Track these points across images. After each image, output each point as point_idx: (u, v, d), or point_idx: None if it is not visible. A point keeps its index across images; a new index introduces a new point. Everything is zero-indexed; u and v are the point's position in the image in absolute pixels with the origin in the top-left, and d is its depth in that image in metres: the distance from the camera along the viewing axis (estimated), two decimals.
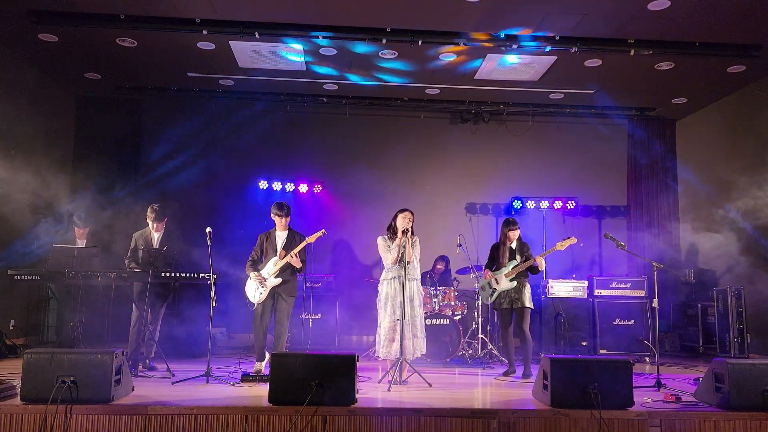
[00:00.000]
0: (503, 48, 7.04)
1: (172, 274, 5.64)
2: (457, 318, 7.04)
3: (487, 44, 6.98)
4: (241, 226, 8.37)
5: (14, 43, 7.19)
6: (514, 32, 6.82)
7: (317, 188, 8.88)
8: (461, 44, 6.92)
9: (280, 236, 5.85)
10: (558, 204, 8.86)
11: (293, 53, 7.41)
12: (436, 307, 6.98)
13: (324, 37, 6.82)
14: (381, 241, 5.51)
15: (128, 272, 5.68)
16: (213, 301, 5.17)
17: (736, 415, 4.04)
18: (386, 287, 5.43)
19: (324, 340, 7.73)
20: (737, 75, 7.70)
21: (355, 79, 8.22)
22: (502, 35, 6.86)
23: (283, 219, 5.81)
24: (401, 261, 5.33)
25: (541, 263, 5.82)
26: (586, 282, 7.79)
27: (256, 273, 5.69)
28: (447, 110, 9.37)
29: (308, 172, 8.99)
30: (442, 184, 9.29)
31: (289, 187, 8.84)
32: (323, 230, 5.84)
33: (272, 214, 5.85)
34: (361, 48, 7.13)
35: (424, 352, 5.42)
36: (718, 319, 7.72)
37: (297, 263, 5.67)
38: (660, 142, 9.53)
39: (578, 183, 9.28)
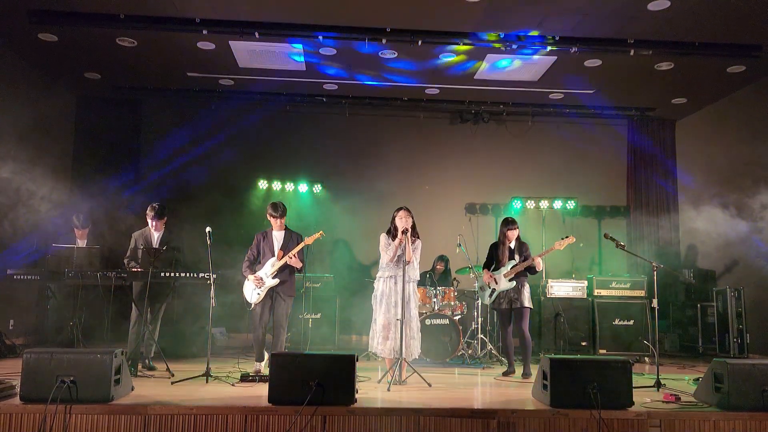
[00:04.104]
0: (503, 48, 7.04)
1: (172, 274, 5.64)
2: (457, 318, 7.04)
3: (486, 44, 6.98)
4: (241, 225, 8.37)
5: (14, 43, 7.20)
6: (514, 32, 6.82)
7: (317, 188, 8.87)
8: (461, 44, 6.92)
9: (278, 236, 5.81)
10: (558, 204, 8.85)
11: (293, 53, 7.41)
12: (436, 307, 6.97)
13: (324, 37, 6.82)
14: (383, 238, 5.50)
15: (128, 272, 5.68)
16: (213, 301, 5.17)
17: (736, 415, 4.04)
18: (382, 285, 5.43)
19: (324, 340, 7.74)
20: (737, 75, 7.70)
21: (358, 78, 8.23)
22: (502, 35, 6.86)
23: (279, 220, 5.77)
24: (399, 261, 5.33)
25: (539, 263, 5.81)
26: (586, 282, 7.79)
27: (253, 275, 5.66)
28: (447, 110, 9.37)
29: (308, 172, 8.99)
30: (442, 184, 9.29)
31: (289, 187, 8.84)
32: (321, 232, 5.82)
33: (268, 215, 5.81)
34: (361, 48, 7.13)
35: (419, 353, 5.42)
36: (717, 319, 7.73)
37: (297, 264, 5.66)
38: (660, 142, 9.53)
39: (578, 183, 9.27)
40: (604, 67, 7.61)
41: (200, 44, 7.17)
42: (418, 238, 5.48)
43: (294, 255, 5.60)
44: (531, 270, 5.91)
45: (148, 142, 9.18)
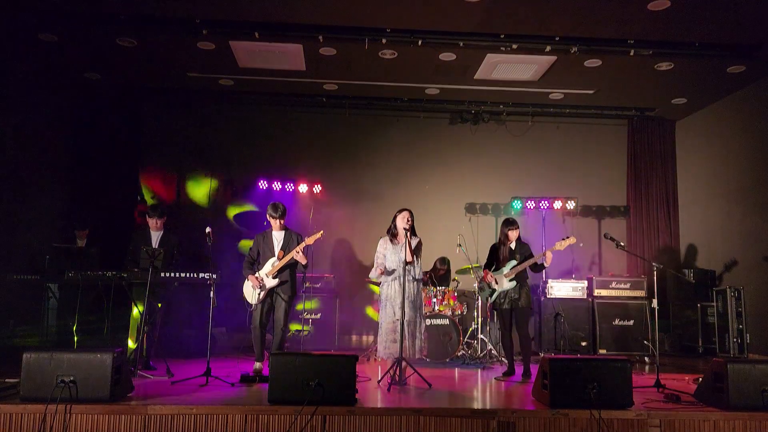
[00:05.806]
0: (503, 48, 7.04)
1: (172, 274, 5.64)
2: (457, 318, 7.04)
3: (486, 44, 6.98)
4: (241, 225, 8.38)
5: (14, 43, 7.19)
6: (514, 32, 6.82)
7: (317, 188, 8.88)
8: (461, 44, 6.92)
9: (277, 237, 5.81)
10: (558, 204, 8.85)
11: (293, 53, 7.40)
12: (436, 307, 6.98)
13: (324, 37, 6.82)
14: (380, 243, 5.55)
15: (128, 272, 5.68)
16: (213, 301, 5.17)
17: (736, 415, 4.04)
18: (386, 288, 5.46)
19: (324, 340, 7.74)
20: (737, 75, 7.70)
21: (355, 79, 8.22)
22: (502, 35, 6.86)
23: (279, 220, 5.77)
24: (400, 262, 5.35)
25: (549, 257, 5.75)
26: (586, 282, 7.79)
27: (253, 275, 5.67)
28: (447, 110, 9.36)
29: (308, 172, 8.98)
30: (442, 184, 9.28)
31: (289, 187, 8.84)
32: (321, 231, 5.81)
33: (267, 216, 5.81)
34: (361, 48, 7.12)
35: (422, 354, 5.42)
36: (717, 319, 7.73)
37: (303, 259, 5.64)
38: (660, 143, 9.53)
39: (578, 183, 9.27)
40: (604, 67, 7.61)
41: (200, 44, 7.17)
42: (416, 235, 5.53)
43: (301, 250, 5.60)
44: (534, 268, 5.88)
45: (148, 142, 9.17)
